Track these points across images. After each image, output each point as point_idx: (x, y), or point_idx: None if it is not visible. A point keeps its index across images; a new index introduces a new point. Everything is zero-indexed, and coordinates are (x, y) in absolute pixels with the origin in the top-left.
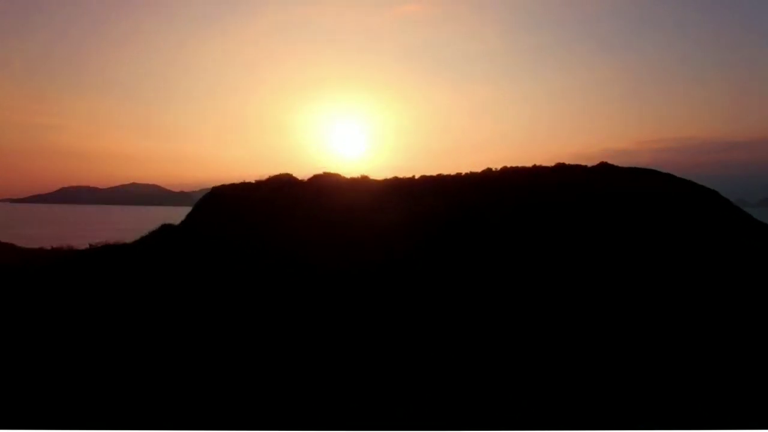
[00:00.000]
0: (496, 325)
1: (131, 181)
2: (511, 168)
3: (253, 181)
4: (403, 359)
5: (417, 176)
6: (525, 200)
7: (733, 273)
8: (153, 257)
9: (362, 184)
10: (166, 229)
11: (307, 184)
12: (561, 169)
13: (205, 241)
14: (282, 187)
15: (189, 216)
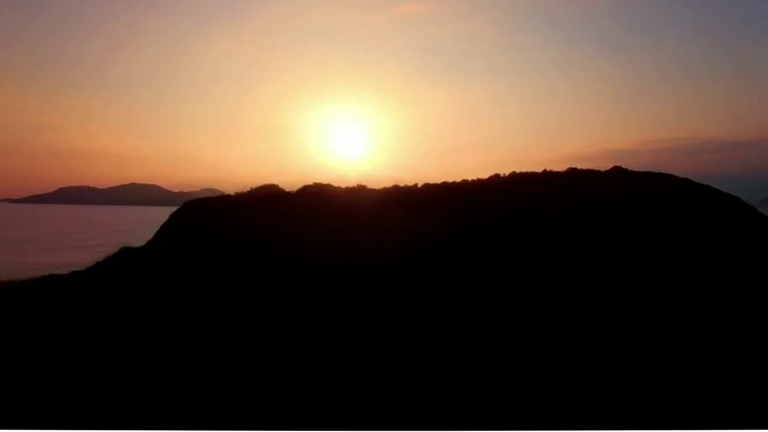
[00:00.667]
0: (501, 339)
1: (131, 182)
2: (520, 174)
3: (233, 194)
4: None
5: (420, 184)
6: (537, 212)
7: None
8: (103, 289)
9: (358, 195)
10: (125, 252)
11: (294, 197)
12: (573, 174)
13: (171, 266)
14: (265, 200)
15: (156, 236)
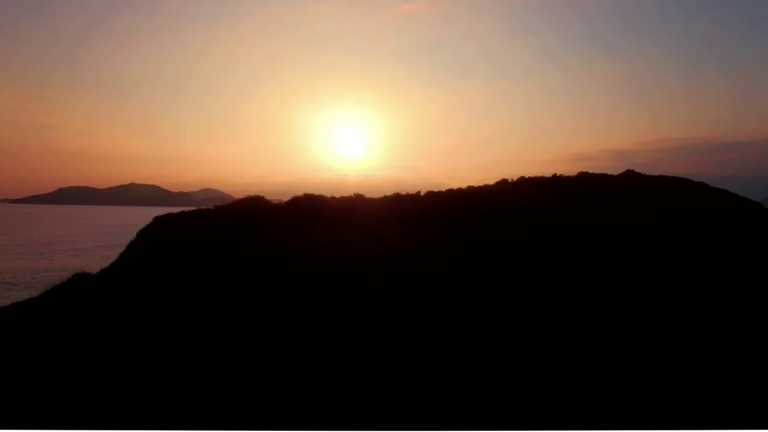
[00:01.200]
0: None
1: (130, 182)
2: (529, 179)
3: (212, 207)
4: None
5: (422, 192)
6: (547, 221)
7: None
8: (40, 329)
9: (355, 206)
10: (78, 279)
11: (283, 210)
12: (585, 179)
13: (134, 297)
14: (250, 215)
15: (119, 259)
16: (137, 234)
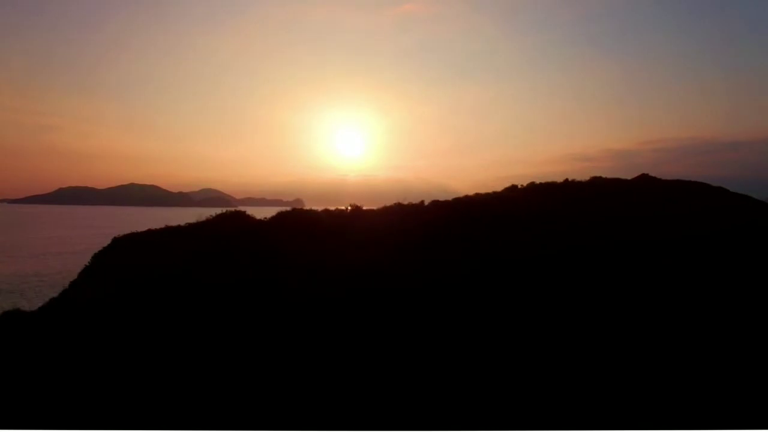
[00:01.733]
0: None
1: (130, 182)
2: (540, 185)
3: (184, 224)
4: None
5: (427, 202)
6: (559, 232)
7: None
8: None
9: (350, 222)
10: (10, 317)
11: (265, 228)
12: (598, 184)
13: (79, 337)
14: (229, 235)
15: (70, 287)
16: (92, 257)
